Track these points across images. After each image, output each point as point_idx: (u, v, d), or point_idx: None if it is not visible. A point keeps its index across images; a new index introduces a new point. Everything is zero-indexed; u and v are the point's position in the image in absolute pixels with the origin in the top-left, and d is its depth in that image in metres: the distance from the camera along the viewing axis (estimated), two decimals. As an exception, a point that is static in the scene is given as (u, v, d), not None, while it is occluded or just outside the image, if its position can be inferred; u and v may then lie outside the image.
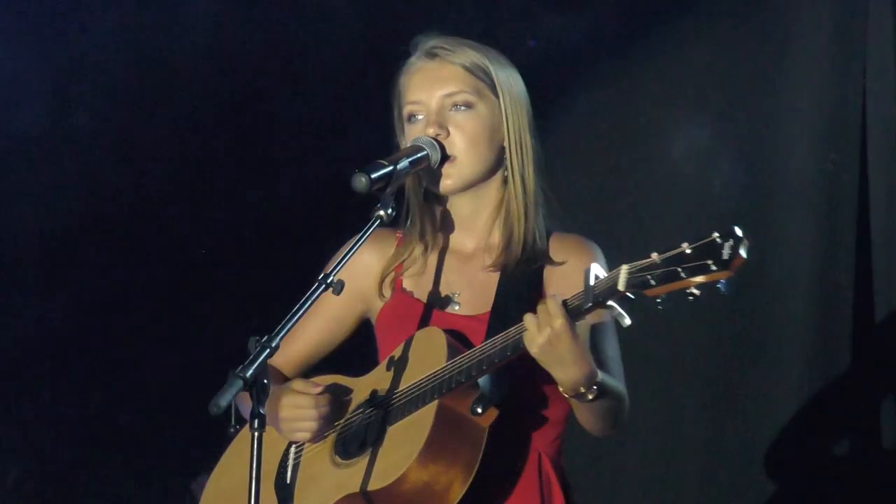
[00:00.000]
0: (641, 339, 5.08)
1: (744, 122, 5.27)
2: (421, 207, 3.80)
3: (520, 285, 3.71)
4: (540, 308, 3.40)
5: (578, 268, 3.52)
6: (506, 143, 3.76)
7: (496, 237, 3.77)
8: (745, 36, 5.26)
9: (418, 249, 3.81)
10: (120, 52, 5.61)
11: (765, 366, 5.23)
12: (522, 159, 3.77)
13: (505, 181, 3.77)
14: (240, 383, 3.27)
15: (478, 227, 3.79)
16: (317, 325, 3.78)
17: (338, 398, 3.72)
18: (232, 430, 3.34)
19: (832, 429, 5.17)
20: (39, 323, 5.57)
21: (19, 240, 5.58)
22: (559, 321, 3.38)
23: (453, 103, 3.73)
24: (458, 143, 3.71)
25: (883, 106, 5.06)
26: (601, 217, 5.37)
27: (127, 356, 5.54)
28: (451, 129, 3.72)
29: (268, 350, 3.33)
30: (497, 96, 3.76)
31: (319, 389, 3.67)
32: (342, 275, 3.47)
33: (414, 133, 3.74)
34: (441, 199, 3.81)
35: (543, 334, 3.39)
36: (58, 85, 5.59)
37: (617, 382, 3.59)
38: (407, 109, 3.77)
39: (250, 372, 3.29)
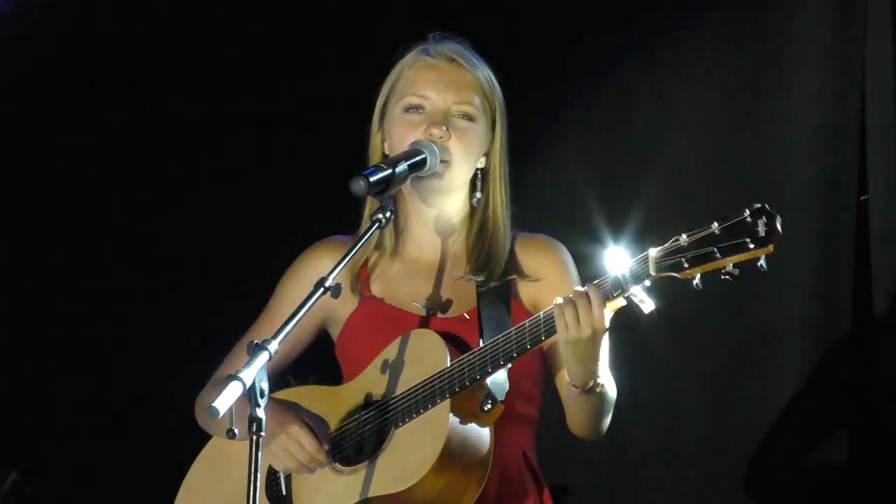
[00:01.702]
0: (640, 343, 5.08)
1: (743, 126, 5.26)
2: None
3: (496, 290, 3.72)
4: (581, 304, 3.39)
5: (549, 273, 3.73)
6: (492, 166, 3.80)
7: (462, 247, 3.79)
8: (743, 39, 5.24)
9: (379, 254, 3.81)
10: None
11: (764, 368, 5.22)
12: (504, 184, 3.80)
13: (472, 197, 3.78)
14: (238, 387, 3.27)
15: (444, 235, 3.81)
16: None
17: (322, 411, 3.72)
18: (228, 433, 3.32)
19: (831, 431, 5.16)
20: (35, 326, 5.56)
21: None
22: (604, 325, 3.39)
23: (461, 112, 3.75)
24: (454, 150, 3.73)
25: (882, 108, 5.05)
26: (600, 219, 5.36)
27: (124, 359, 5.54)
28: (451, 133, 3.73)
29: (267, 354, 3.33)
30: (493, 121, 3.79)
31: (328, 448, 3.66)
32: (301, 283, 3.48)
33: (406, 124, 3.75)
34: (406, 206, 3.81)
35: (584, 333, 3.40)
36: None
37: (613, 383, 3.61)
38: (409, 100, 3.77)
39: (249, 375, 3.28)
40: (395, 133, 3.79)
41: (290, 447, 3.64)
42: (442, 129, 3.72)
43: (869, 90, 5.09)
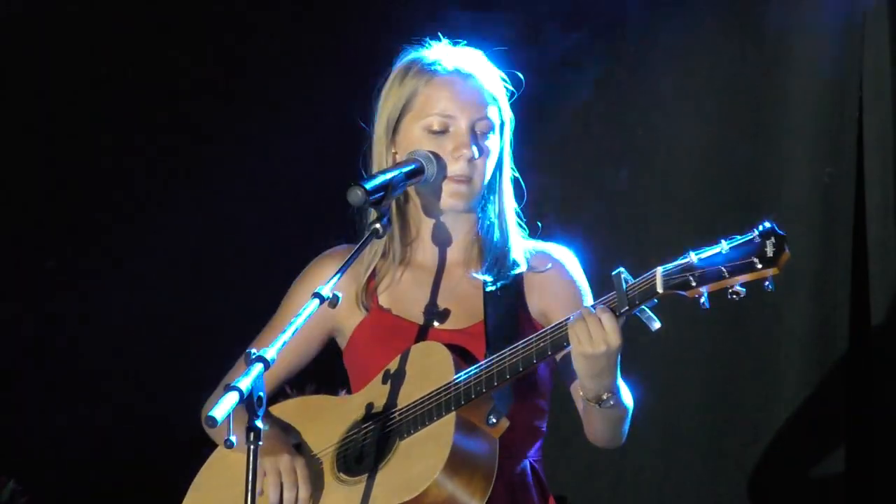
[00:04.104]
0: (639, 351, 5.09)
1: (741, 135, 5.27)
2: (394, 222, 3.80)
3: (504, 295, 3.73)
4: (592, 322, 3.41)
5: (559, 278, 3.73)
6: (504, 167, 3.79)
7: (475, 252, 3.79)
8: (741, 49, 5.26)
9: (386, 263, 3.81)
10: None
11: (762, 378, 5.23)
12: (510, 185, 3.80)
13: (482, 201, 3.79)
14: (236, 397, 3.28)
15: (456, 242, 3.81)
16: (287, 346, 3.52)
17: (327, 421, 3.72)
18: (226, 442, 3.33)
19: (829, 440, 5.16)
20: (35, 337, 5.57)
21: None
22: (618, 341, 3.40)
23: (483, 128, 3.74)
24: (479, 167, 3.74)
25: (879, 118, 5.06)
26: (598, 227, 5.37)
27: (125, 367, 5.55)
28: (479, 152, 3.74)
29: (263, 364, 3.34)
30: (502, 127, 3.79)
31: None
32: (308, 293, 3.49)
33: (431, 146, 3.73)
34: (418, 216, 3.81)
35: (598, 349, 3.41)
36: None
37: (629, 391, 3.61)
38: (431, 121, 3.74)
39: (247, 386, 3.29)
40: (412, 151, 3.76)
41: (285, 479, 3.66)
42: (472, 151, 3.72)
43: (866, 100, 5.10)
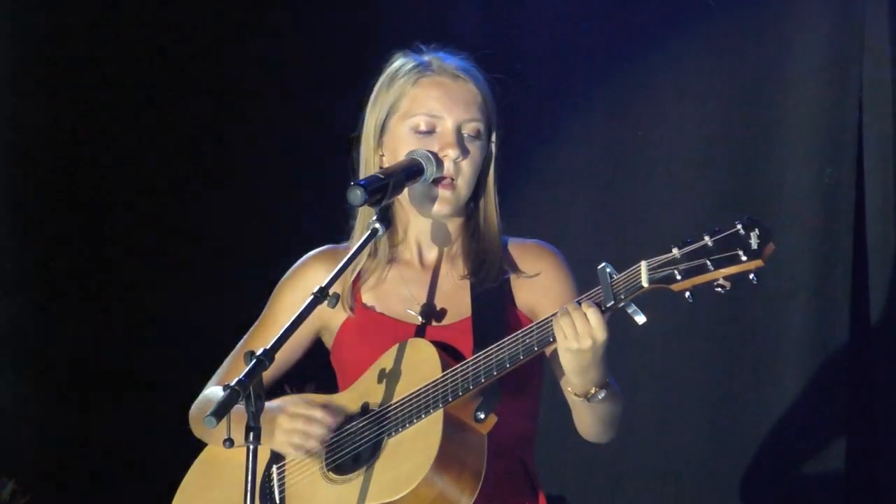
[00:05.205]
0: (638, 350, 5.09)
1: (741, 136, 5.27)
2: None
3: (491, 292, 3.73)
4: (577, 316, 3.41)
5: (546, 275, 3.72)
6: (487, 172, 3.79)
7: (457, 252, 3.79)
8: (741, 49, 5.26)
9: (372, 263, 3.81)
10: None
11: (761, 377, 5.23)
12: (496, 188, 3.80)
13: (468, 204, 3.79)
14: (235, 396, 3.27)
15: (440, 243, 3.81)
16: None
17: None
18: (226, 442, 3.33)
19: (829, 439, 5.17)
20: (35, 337, 5.57)
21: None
22: (603, 335, 3.40)
23: (470, 131, 3.74)
24: (464, 170, 3.73)
25: (879, 119, 5.06)
26: (596, 228, 5.37)
27: (122, 368, 5.55)
28: (464, 154, 3.74)
29: (263, 363, 3.34)
30: (491, 131, 3.79)
31: (331, 416, 3.64)
32: (297, 292, 3.48)
33: (420, 146, 3.73)
34: (405, 216, 3.81)
35: (584, 344, 3.41)
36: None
37: (617, 386, 3.61)
38: (418, 121, 3.74)
39: (245, 385, 3.29)
40: (402, 153, 3.76)
41: (297, 424, 3.63)
42: (458, 152, 3.72)
43: (866, 100, 5.10)
